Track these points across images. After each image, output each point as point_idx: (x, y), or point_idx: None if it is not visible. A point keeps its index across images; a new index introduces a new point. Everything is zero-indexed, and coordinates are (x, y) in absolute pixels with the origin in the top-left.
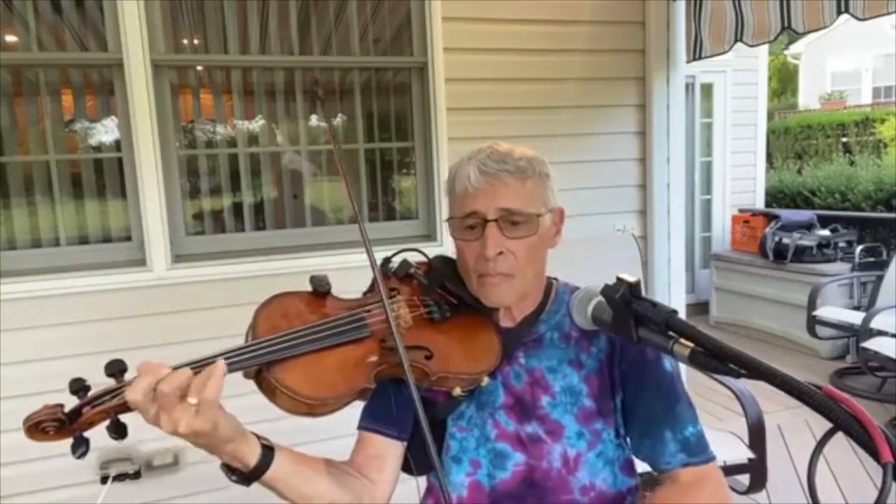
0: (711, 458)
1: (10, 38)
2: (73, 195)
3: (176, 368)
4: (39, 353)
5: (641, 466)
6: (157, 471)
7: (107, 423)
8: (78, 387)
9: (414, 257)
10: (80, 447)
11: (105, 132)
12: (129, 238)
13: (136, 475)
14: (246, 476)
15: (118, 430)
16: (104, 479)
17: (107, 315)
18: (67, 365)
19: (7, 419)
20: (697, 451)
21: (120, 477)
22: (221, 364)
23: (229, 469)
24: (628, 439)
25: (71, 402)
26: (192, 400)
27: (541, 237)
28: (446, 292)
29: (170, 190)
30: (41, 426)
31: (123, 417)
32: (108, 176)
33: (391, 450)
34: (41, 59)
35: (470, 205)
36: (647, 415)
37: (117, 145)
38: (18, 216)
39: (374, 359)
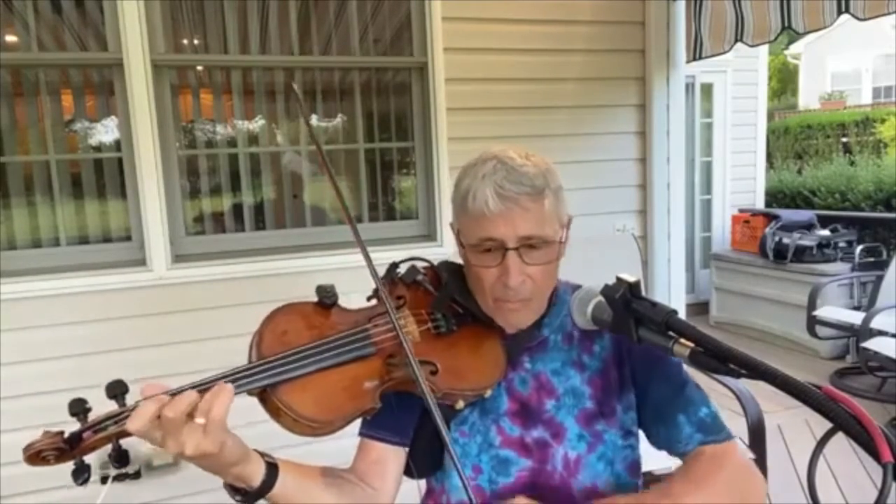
0: (730, 437)
1: (10, 38)
2: (73, 195)
3: (180, 391)
4: (39, 353)
5: (644, 466)
6: (157, 471)
7: (108, 449)
8: (78, 409)
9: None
10: (82, 474)
11: (105, 132)
12: (129, 238)
13: (136, 475)
14: (250, 496)
15: (120, 458)
16: (104, 479)
17: (107, 315)
18: (67, 365)
19: (7, 419)
20: (714, 429)
21: (120, 477)
22: (229, 386)
23: (233, 489)
24: (643, 432)
25: (70, 424)
26: (199, 420)
27: (558, 257)
28: (454, 303)
29: (170, 190)
30: (41, 454)
31: (125, 442)
32: (108, 176)
33: (393, 456)
34: (41, 59)
35: (488, 230)
36: (658, 402)
37: (117, 145)
38: (18, 216)
39: (380, 378)
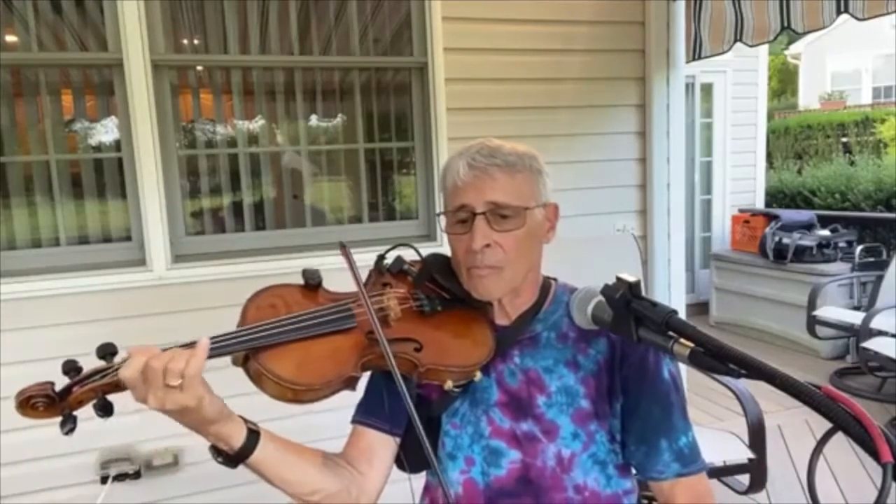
0: (703, 468)
1: (10, 38)
2: (73, 195)
3: (165, 350)
4: (39, 353)
5: None
6: (157, 471)
7: (94, 401)
8: (70, 367)
9: (409, 255)
10: (68, 424)
11: (105, 132)
12: (129, 238)
13: (136, 475)
14: (231, 458)
15: (104, 409)
16: (104, 479)
17: (107, 315)
18: None
19: (7, 420)
20: (690, 460)
21: (120, 477)
22: (205, 341)
23: (216, 450)
24: (623, 444)
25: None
26: (175, 382)
27: (530, 230)
28: (437, 286)
29: (170, 190)
30: (31, 401)
31: (110, 397)
32: (108, 176)
33: (383, 444)
34: (41, 59)
35: (459, 198)
36: (645, 422)
37: (117, 145)
38: (18, 216)
39: (360, 350)
